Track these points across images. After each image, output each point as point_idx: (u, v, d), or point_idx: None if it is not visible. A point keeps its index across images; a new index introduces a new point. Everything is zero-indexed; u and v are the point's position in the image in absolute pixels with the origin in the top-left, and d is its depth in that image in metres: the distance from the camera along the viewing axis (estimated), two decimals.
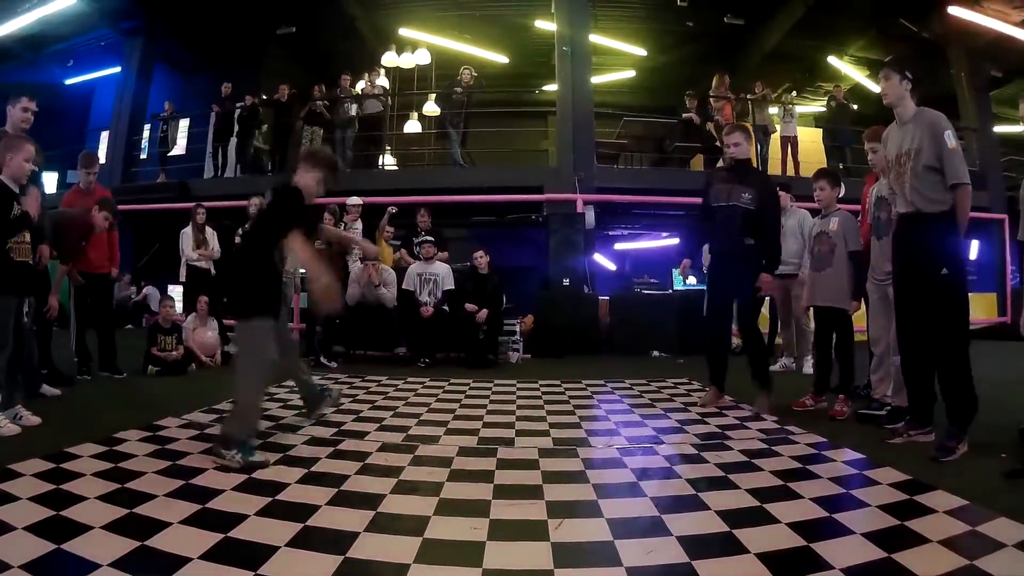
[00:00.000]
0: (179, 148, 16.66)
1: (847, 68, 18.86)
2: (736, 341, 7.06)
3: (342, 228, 9.77)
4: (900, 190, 4.50)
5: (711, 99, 15.15)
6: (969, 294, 4.46)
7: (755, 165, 13.41)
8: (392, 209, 10.63)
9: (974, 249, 14.91)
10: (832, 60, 18.63)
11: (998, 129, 16.62)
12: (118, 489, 3.40)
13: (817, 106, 19.28)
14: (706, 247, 6.51)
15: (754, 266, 5.76)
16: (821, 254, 5.77)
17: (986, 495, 3.30)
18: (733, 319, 6.20)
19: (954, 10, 14.90)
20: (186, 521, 3.00)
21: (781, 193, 8.07)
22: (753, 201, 5.78)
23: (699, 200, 6.26)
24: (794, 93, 17.92)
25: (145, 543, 2.73)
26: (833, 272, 5.65)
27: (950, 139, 4.25)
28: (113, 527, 2.89)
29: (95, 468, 3.75)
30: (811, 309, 6.17)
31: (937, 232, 4.31)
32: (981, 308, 13.99)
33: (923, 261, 4.34)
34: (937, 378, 4.40)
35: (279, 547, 2.75)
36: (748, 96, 15.38)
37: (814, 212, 6.60)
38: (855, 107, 15.75)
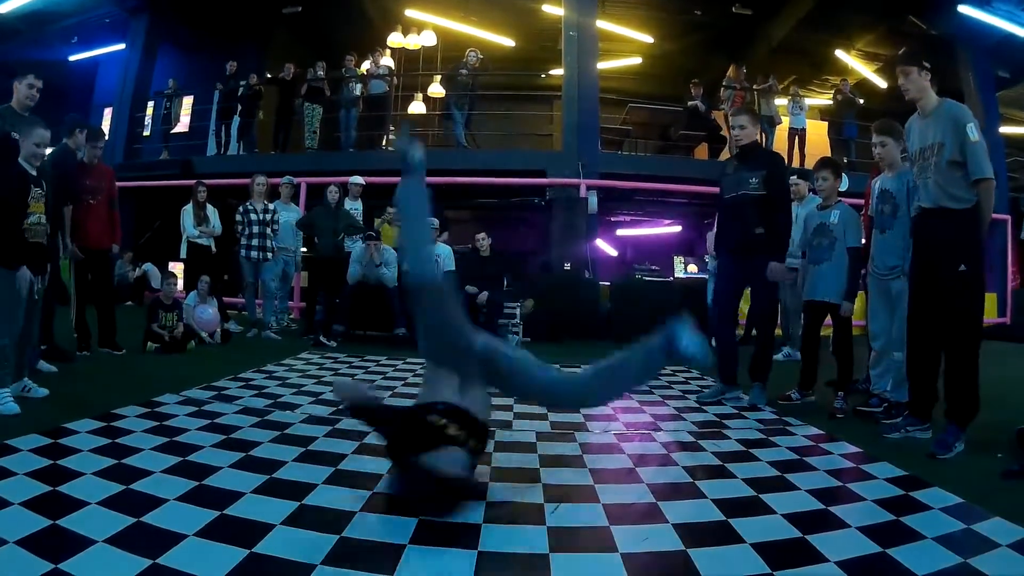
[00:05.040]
0: (182, 125, 16.70)
1: (854, 63, 18.81)
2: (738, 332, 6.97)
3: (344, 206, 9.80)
4: (923, 185, 4.46)
5: (723, 88, 15.13)
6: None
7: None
8: (392, 210, 10.76)
9: None
10: (839, 54, 18.56)
11: (1003, 130, 16.59)
12: (115, 465, 3.40)
13: (823, 99, 19.25)
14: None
15: (764, 256, 5.57)
16: (821, 247, 5.64)
17: (982, 494, 3.30)
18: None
19: (964, 8, 14.86)
20: (182, 498, 3.00)
21: (800, 182, 7.93)
22: (760, 185, 5.55)
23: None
24: (794, 89, 17.86)
25: (141, 520, 2.72)
26: (831, 266, 5.54)
27: (972, 132, 4.16)
28: (109, 503, 2.88)
29: (92, 444, 3.75)
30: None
31: (957, 228, 4.25)
32: None
33: (941, 257, 4.29)
34: (943, 375, 4.37)
35: (275, 525, 2.75)
36: (755, 86, 15.36)
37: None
38: (861, 101, 15.73)
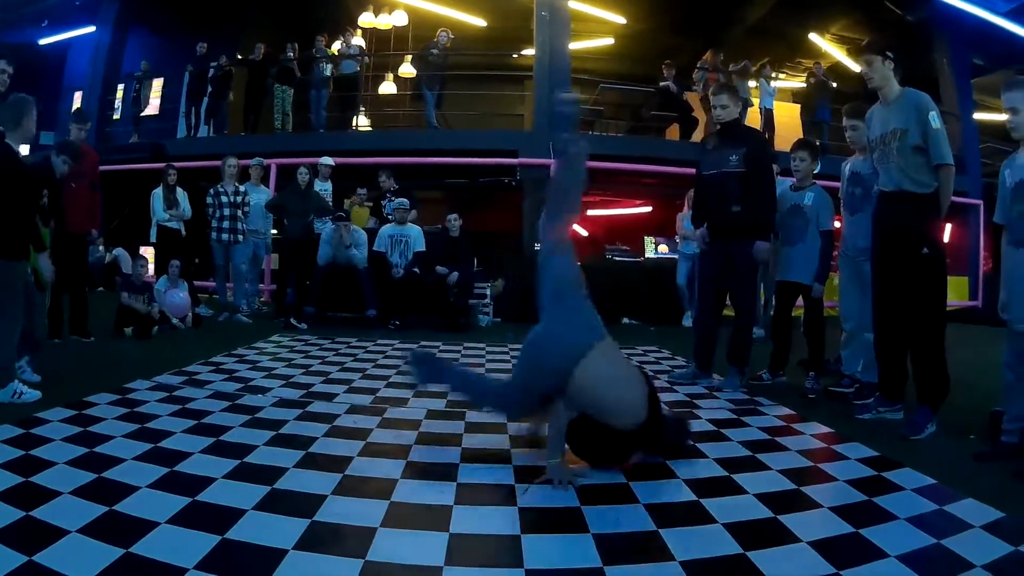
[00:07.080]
0: (152, 108, 16.48)
1: (828, 46, 18.90)
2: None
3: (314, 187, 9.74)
4: (884, 169, 4.50)
5: (697, 69, 15.13)
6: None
7: None
8: (363, 191, 10.80)
9: (947, 232, 15.10)
10: (814, 37, 18.63)
11: (978, 116, 16.76)
12: (87, 454, 3.37)
13: (797, 82, 19.31)
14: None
15: (744, 236, 5.46)
16: (794, 228, 5.68)
17: (955, 475, 3.34)
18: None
19: None
20: (154, 485, 2.98)
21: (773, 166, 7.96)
22: (741, 163, 5.40)
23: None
24: (766, 70, 17.92)
25: (113, 508, 2.70)
26: (804, 248, 5.60)
27: (935, 120, 4.25)
28: (82, 493, 2.86)
29: (64, 433, 3.71)
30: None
31: (918, 212, 4.31)
32: (953, 291, 14.04)
33: (903, 240, 4.34)
34: (911, 357, 4.42)
35: (247, 510, 2.74)
36: (730, 68, 15.37)
37: None
38: (834, 84, 15.80)
